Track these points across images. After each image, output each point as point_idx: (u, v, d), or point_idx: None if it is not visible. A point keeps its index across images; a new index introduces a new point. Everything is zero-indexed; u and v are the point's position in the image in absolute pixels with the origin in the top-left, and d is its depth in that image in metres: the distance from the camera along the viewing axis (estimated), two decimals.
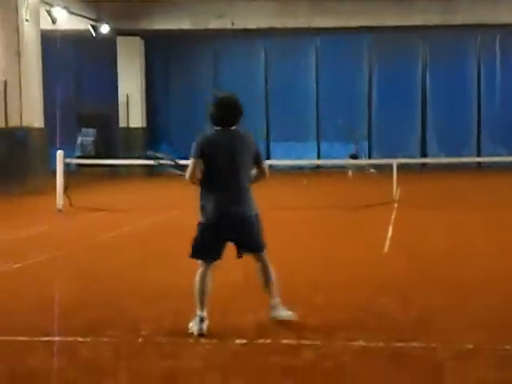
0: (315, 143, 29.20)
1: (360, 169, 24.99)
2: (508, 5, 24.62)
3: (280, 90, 29.14)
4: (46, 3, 20.78)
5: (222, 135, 5.95)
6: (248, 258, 6.06)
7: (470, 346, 5.40)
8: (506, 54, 28.43)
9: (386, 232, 11.43)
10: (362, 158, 26.39)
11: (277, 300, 6.00)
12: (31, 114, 19.13)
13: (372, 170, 24.55)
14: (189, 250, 5.87)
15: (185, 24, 26.08)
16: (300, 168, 26.71)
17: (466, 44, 28.57)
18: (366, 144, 28.86)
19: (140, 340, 5.70)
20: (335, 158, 26.33)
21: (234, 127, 5.98)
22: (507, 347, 5.36)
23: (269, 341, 5.62)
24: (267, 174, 6.16)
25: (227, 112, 5.95)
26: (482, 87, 28.58)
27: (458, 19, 25.43)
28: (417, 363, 5.10)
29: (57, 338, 5.67)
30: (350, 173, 24.23)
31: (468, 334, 5.72)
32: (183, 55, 29.24)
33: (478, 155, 27.39)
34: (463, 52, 28.62)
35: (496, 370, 4.88)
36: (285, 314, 6.00)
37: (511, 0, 24.40)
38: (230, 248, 5.98)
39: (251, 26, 26.23)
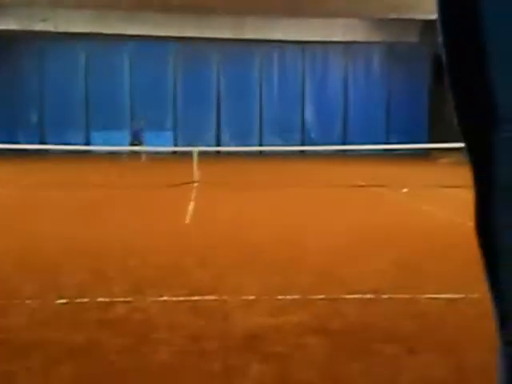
0: (129, 132, 28.79)
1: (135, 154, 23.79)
2: (283, 25, 25.66)
3: (99, 87, 28.43)
4: None
5: None
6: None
7: (252, 297, 5.57)
8: (281, 64, 29.67)
9: (187, 207, 11.49)
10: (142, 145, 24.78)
11: None
12: None
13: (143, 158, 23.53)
14: None
15: (11, 25, 24.65)
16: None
17: (251, 55, 29.42)
18: (171, 134, 28.94)
19: None
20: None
21: None
22: (280, 297, 5.59)
23: (86, 299, 5.44)
24: None
25: None
26: (263, 91, 29.63)
27: (246, 34, 26.15)
28: (210, 313, 5.17)
29: None
30: (144, 157, 23.28)
31: (251, 287, 5.90)
32: (11, 52, 27.67)
33: (260, 145, 28.40)
34: (249, 62, 29.46)
35: (271, 316, 5.08)
36: None
37: (286, 21, 25.43)
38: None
39: (72, 29, 25.24)
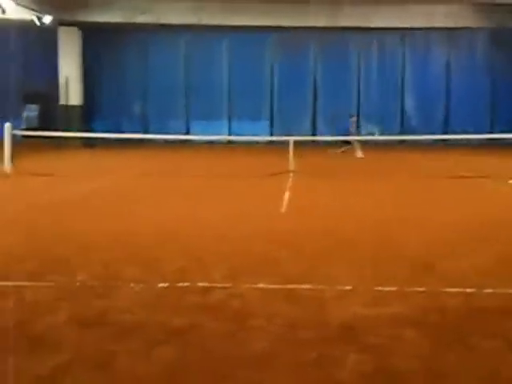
0: (227, 122, 29.28)
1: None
2: (382, 12, 25.11)
3: (198, 77, 29.02)
4: None
5: None
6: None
7: (349, 288, 5.53)
8: (381, 54, 29.10)
9: (283, 196, 11.53)
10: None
11: None
12: None
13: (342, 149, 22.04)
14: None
15: (116, 17, 25.62)
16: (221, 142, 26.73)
17: (348, 43, 29.02)
18: (267, 124, 29.11)
19: (77, 284, 5.57)
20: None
21: None
22: (378, 288, 5.52)
23: (187, 284, 5.59)
24: None
25: None
26: (361, 78, 29.18)
27: (342, 22, 25.82)
28: (306, 301, 5.18)
29: (3, 283, 5.48)
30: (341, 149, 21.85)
31: (347, 277, 5.85)
32: (116, 44, 28.76)
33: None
34: (346, 50, 29.09)
35: (367, 307, 5.02)
36: None
37: (385, 9, 24.86)
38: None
39: (173, 21, 25.90)
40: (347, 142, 21.96)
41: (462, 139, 24.84)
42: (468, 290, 5.48)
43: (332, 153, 21.86)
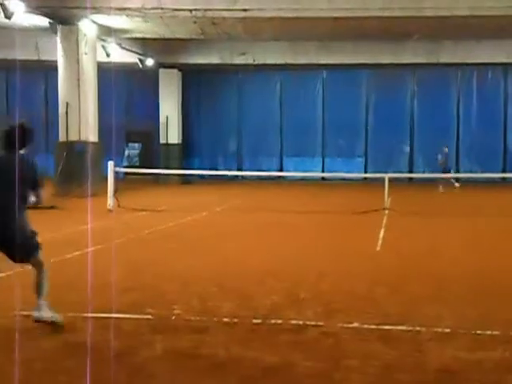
0: (320, 159, 29.28)
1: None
2: (484, 48, 24.59)
3: (292, 115, 29.32)
4: (102, 40, 21.02)
5: (4, 157, 5.38)
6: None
7: (447, 330, 5.34)
8: (481, 89, 28.32)
9: (379, 234, 11.36)
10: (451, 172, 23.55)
11: (44, 302, 5.31)
12: (88, 130, 19.27)
13: (456, 185, 22.39)
14: None
15: (214, 59, 26.45)
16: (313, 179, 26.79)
17: (448, 79, 28.46)
18: (361, 161, 28.88)
19: (173, 318, 5.69)
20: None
21: (21, 151, 5.35)
22: (478, 332, 5.29)
23: (280, 321, 5.59)
24: (41, 201, 5.46)
25: (11, 137, 5.28)
26: (461, 116, 28.46)
27: (442, 58, 25.42)
28: (402, 343, 5.04)
29: (106, 315, 5.69)
30: (441, 187, 21.73)
31: (445, 319, 5.66)
32: (213, 84, 29.57)
33: (457, 171, 27.21)
34: (446, 86, 28.52)
35: (468, 351, 4.82)
36: (48, 315, 5.28)
37: (487, 44, 24.32)
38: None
39: (269, 61, 26.46)
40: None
41: None
42: None
43: (440, 191, 21.62)
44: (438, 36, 22.81)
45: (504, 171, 26.83)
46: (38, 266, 5.41)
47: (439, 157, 22.92)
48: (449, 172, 22.99)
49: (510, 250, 9.94)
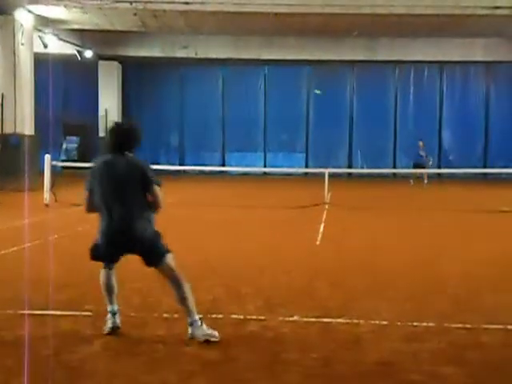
0: (262, 154, 29.40)
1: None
2: (420, 46, 25.22)
3: (235, 110, 29.32)
4: (39, 30, 20.46)
5: (110, 161, 5.15)
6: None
7: (385, 323, 5.45)
8: (417, 85, 29.03)
9: (319, 228, 11.49)
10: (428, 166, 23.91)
11: (194, 318, 4.91)
12: (24, 123, 18.78)
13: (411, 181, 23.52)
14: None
15: (155, 52, 26.18)
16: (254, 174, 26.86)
17: (386, 76, 29.04)
18: (302, 156, 29.16)
19: None
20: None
21: (126, 153, 5.15)
22: (415, 324, 5.42)
23: (221, 315, 5.59)
24: (159, 203, 5.21)
25: (116, 138, 5.16)
26: (398, 112, 29.10)
27: (380, 55, 25.94)
28: (341, 336, 5.12)
29: (43, 312, 5.56)
30: (411, 181, 23.40)
31: (383, 312, 5.77)
32: (154, 77, 29.29)
33: (394, 167, 27.83)
34: (384, 82, 29.09)
35: (405, 342, 4.94)
36: (203, 334, 4.84)
37: (423, 42, 24.94)
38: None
39: (212, 55, 26.37)
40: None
41: (501, 173, 24.51)
42: (509, 327, 5.35)
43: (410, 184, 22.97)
44: (375, 33, 23.23)
45: (439, 167, 27.57)
46: (165, 273, 5.10)
47: (422, 153, 23.70)
48: (424, 167, 23.32)
49: (445, 243, 10.23)
